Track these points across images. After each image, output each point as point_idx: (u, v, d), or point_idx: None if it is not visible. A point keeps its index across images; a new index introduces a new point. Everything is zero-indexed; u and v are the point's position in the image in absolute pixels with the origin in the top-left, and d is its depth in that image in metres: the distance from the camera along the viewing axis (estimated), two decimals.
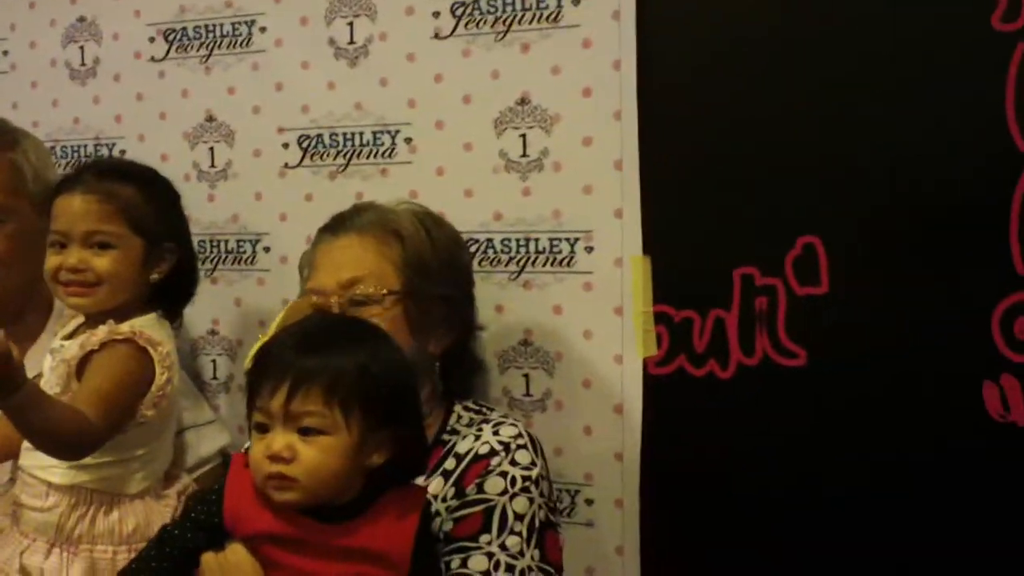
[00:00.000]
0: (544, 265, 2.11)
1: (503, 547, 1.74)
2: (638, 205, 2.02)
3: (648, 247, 2.02)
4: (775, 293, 1.93)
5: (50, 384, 1.95)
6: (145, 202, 2.00)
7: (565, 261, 2.09)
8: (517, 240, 2.13)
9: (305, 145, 2.32)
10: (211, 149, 2.42)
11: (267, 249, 2.37)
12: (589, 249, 2.07)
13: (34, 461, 1.97)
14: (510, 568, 1.73)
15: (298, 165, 2.33)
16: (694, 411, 2.01)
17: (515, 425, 1.86)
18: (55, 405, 1.82)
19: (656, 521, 2.04)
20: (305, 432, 1.53)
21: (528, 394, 2.14)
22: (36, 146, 2.24)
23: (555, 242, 2.10)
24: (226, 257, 2.41)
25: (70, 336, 2.04)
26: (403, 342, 1.75)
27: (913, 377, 1.85)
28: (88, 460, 1.90)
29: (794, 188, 1.91)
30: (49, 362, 2.00)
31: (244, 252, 2.40)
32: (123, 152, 2.49)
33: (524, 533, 1.76)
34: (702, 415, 2.00)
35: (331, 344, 1.57)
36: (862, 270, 1.87)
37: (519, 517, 1.77)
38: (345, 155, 2.28)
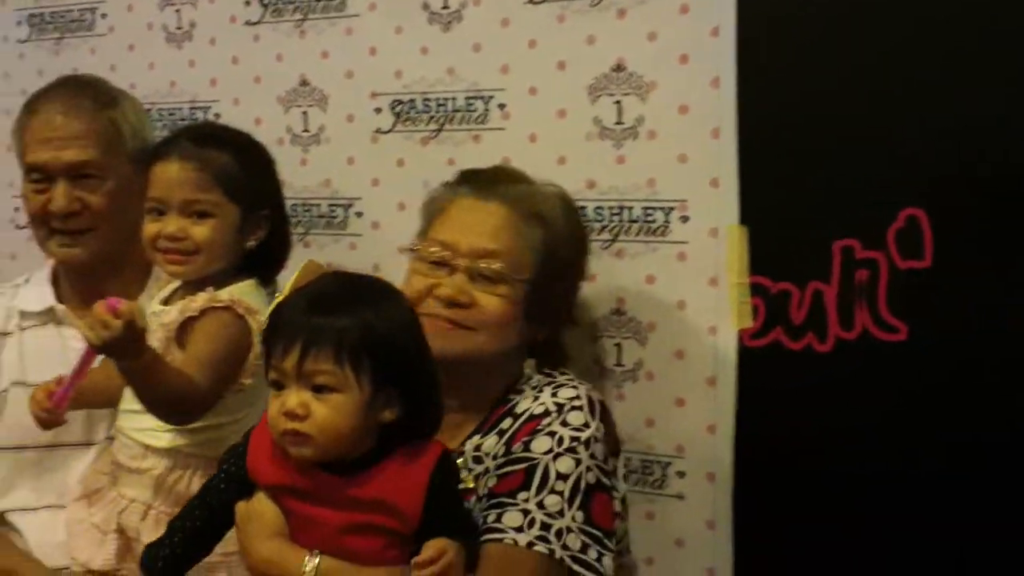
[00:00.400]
0: (637, 234, 2.08)
1: (540, 505, 1.71)
2: (735, 174, 1.98)
3: (745, 217, 1.98)
4: (876, 266, 1.88)
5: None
6: (241, 170, 2.00)
7: (659, 230, 2.06)
8: (610, 208, 2.10)
9: (398, 110, 2.31)
10: (304, 113, 2.42)
11: (359, 214, 2.37)
12: (684, 219, 2.03)
13: (132, 423, 2.00)
14: (545, 526, 1.70)
15: (390, 130, 2.32)
16: (790, 385, 1.97)
17: (576, 387, 1.81)
18: (170, 371, 1.86)
19: (749, 496, 2.01)
20: (318, 390, 1.57)
21: (619, 364, 2.12)
22: (134, 105, 2.26)
23: (649, 211, 2.07)
24: (318, 221, 2.41)
25: (167, 300, 2.06)
26: (516, 326, 1.81)
27: (1018, 354, 1.80)
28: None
29: (898, 158, 1.85)
30: (149, 323, 2.02)
31: (336, 217, 2.40)
32: (217, 116, 2.51)
33: (566, 493, 1.72)
34: (798, 389, 1.96)
35: (340, 304, 1.61)
36: (967, 244, 1.82)
37: (562, 476, 1.73)
38: (438, 121, 2.26)
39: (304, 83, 2.42)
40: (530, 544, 1.69)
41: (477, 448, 1.82)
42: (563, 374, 1.87)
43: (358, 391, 1.58)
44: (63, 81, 2.27)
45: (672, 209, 2.04)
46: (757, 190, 1.97)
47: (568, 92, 2.12)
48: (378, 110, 2.33)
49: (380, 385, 1.59)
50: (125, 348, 1.76)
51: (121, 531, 1.99)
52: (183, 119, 2.55)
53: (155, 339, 1.98)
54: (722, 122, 1.98)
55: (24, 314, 2.27)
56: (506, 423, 1.82)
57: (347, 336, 1.57)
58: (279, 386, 1.61)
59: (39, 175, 2.16)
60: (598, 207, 2.11)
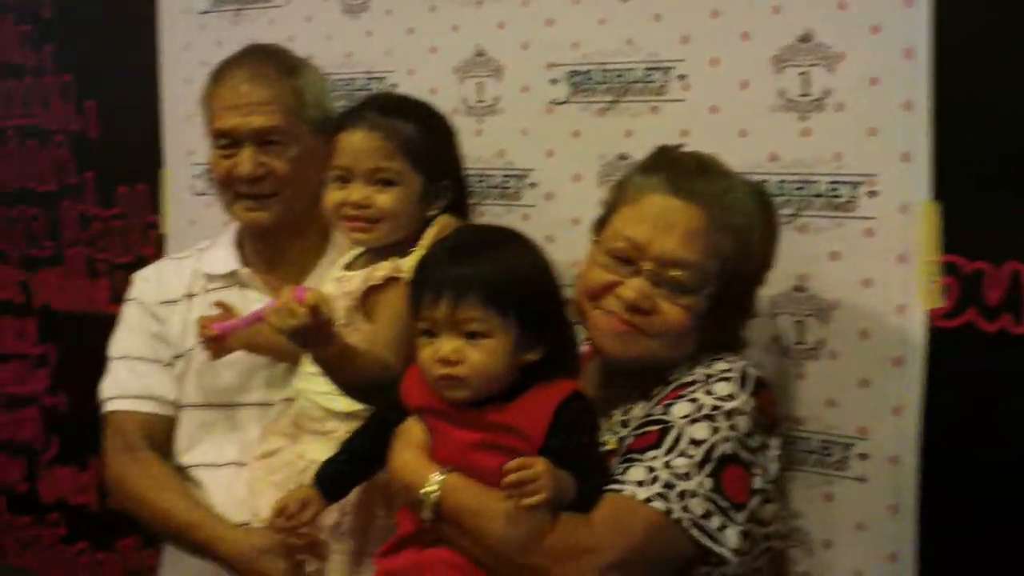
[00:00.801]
0: (822, 209, 2.02)
1: (668, 465, 1.69)
2: (928, 148, 1.90)
3: (937, 193, 1.90)
4: None
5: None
6: (426, 140, 2.03)
7: (845, 206, 2.00)
8: (794, 182, 2.04)
9: (574, 81, 2.28)
10: (479, 84, 2.41)
11: (533, 185, 2.36)
12: (872, 194, 1.97)
13: (313, 386, 2.03)
14: (668, 486, 1.67)
15: (566, 101, 2.30)
16: (983, 367, 1.89)
17: (733, 361, 1.78)
18: (360, 355, 1.91)
19: (935, 481, 1.94)
20: (470, 336, 1.71)
21: (800, 342, 2.06)
22: (316, 74, 2.30)
23: (835, 186, 2.01)
24: (491, 192, 2.41)
25: (350, 266, 2.08)
26: (691, 335, 1.79)
27: None
28: None
29: None
30: (332, 290, 2.05)
31: (509, 187, 2.39)
32: (393, 86, 2.52)
33: (697, 458, 1.69)
34: (991, 371, 1.89)
35: (483, 253, 1.74)
36: None
37: (695, 442, 1.70)
38: (615, 92, 2.23)
39: (480, 54, 2.42)
40: (648, 499, 1.67)
41: (626, 413, 1.83)
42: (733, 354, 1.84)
43: (506, 335, 1.71)
44: (248, 50, 2.31)
45: (860, 184, 1.97)
46: (951, 165, 1.89)
47: (751, 63, 2.07)
48: (554, 81, 2.31)
49: (525, 328, 1.72)
50: (310, 336, 1.84)
51: None
52: (359, 90, 2.56)
53: (339, 306, 2.01)
54: (914, 94, 1.91)
55: (209, 277, 2.33)
56: (656, 390, 1.81)
57: (493, 283, 1.71)
58: (430, 334, 1.73)
59: (226, 141, 2.22)
60: (781, 181, 2.05)
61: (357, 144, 2.03)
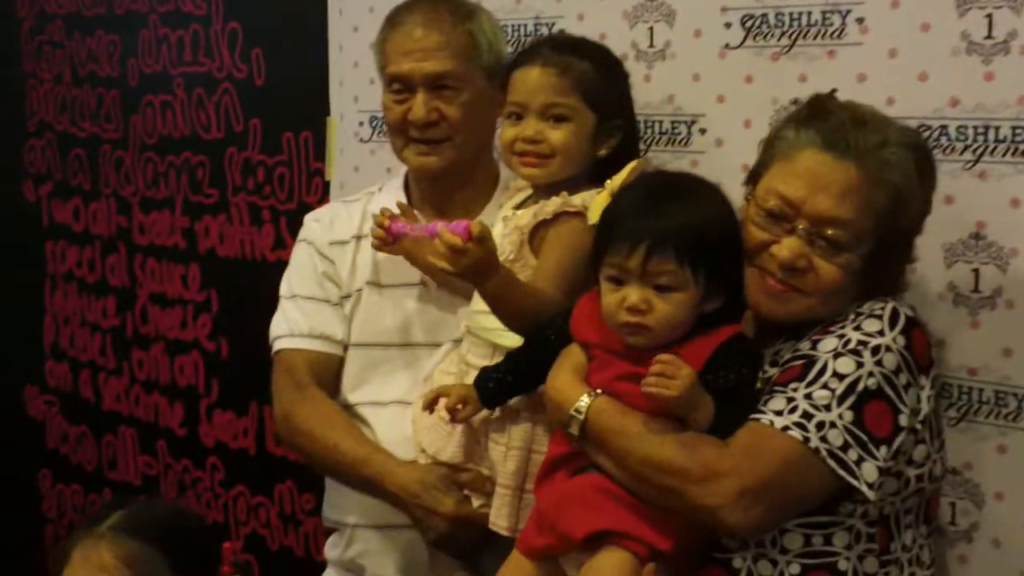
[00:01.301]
0: (1004, 155, 1.98)
1: (808, 396, 1.69)
2: None
3: None
4: None
5: (503, 250, 2.03)
6: (599, 77, 2.04)
7: None
8: (975, 127, 2.00)
9: (748, 25, 2.26)
10: (651, 29, 2.41)
11: (703, 131, 2.35)
12: None
13: (482, 323, 2.06)
14: (807, 415, 1.67)
15: (739, 46, 2.28)
16: None
17: (887, 301, 1.76)
18: (524, 288, 1.96)
19: None
20: (660, 288, 1.73)
21: (976, 290, 2.03)
22: (490, 19, 2.32)
23: (1018, 130, 1.96)
24: (660, 138, 2.41)
25: (520, 206, 2.11)
26: (847, 292, 1.78)
27: None
28: None
29: None
30: (501, 229, 2.08)
31: (679, 133, 2.38)
32: (562, 32, 2.52)
33: (839, 391, 1.68)
34: None
35: (679, 204, 1.76)
36: None
37: (838, 375, 1.69)
38: (790, 36, 2.21)
39: None
40: (785, 428, 1.68)
41: (776, 353, 1.82)
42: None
43: (695, 288, 1.74)
44: None
45: None
46: None
47: (933, 5, 2.03)
48: (728, 25, 2.29)
49: (712, 280, 1.75)
50: (480, 270, 1.89)
51: (468, 427, 2.07)
52: (528, 35, 2.58)
53: (508, 242, 2.04)
54: None
55: None
56: (808, 331, 1.80)
57: (689, 238, 1.73)
58: (617, 281, 1.76)
59: (399, 86, 2.25)
60: (961, 126, 2.01)
61: (532, 80, 2.05)
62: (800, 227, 1.76)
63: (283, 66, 3.25)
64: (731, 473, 1.67)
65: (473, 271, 1.92)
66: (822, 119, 1.80)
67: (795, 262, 1.76)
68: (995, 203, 2.00)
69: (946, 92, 2.02)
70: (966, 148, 2.01)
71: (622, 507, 1.76)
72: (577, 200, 2.01)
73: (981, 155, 2.00)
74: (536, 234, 2.03)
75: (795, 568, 1.74)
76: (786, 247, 1.77)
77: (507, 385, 1.98)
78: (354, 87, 3.00)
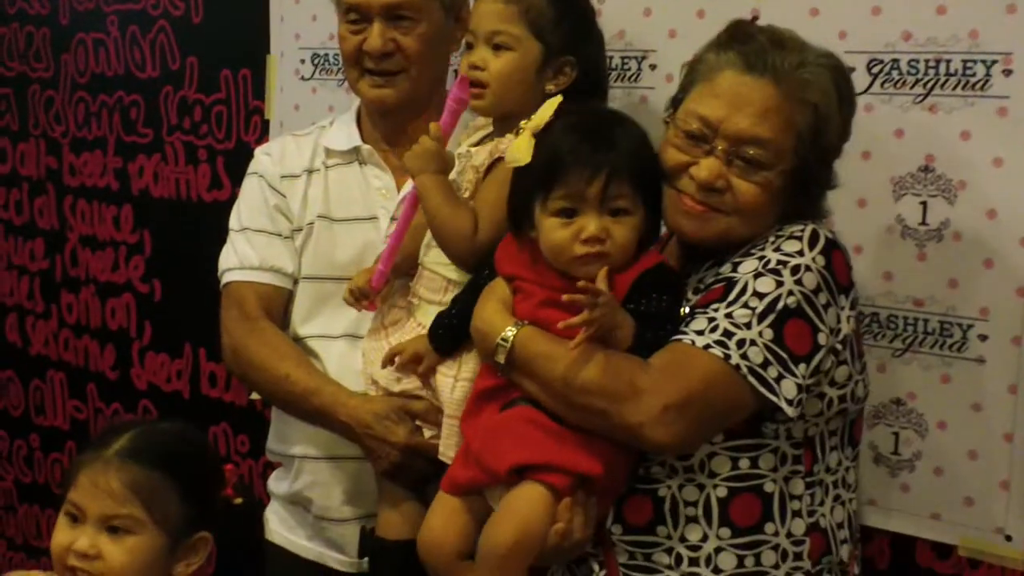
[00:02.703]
0: (954, 89, 2.02)
1: (729, 316, 1.71)
2: None
3: None
4: None
5: (459, 188, 2.04)
6: (552, 10, 2.02)
7: (979, 85, 1.99)
8: (926, 61, 2.03)
9: None
10: None
11: (653, 67, 2.35)
12: (1007, 72, 1.96)
13: (435, 257, 2.06)
14: (727, 334, 1.69)
15: None
16: None
17: (807, 224, 1.77)
18: (455, 202, 1.98)
19: None
20: (616, 213, 1.77)
21: (924, 223, 2.07)
22: None
23: (968, 64, 2.00)
24: (610, 74, 2.39)
25: (477, 144, 2.10)
26: (770, 210, 1.78)
27: None
28: None
29: None
30: (457, 166, 2.07)
31: (628, 69, 2.39)
32: None
33: (759, 310, 1.70)
34: None
35: (622, 133, 1.80)
36: None
37: (758, 295, 1.71)
38: None
39: None
40: (706, 346, 1.69)
41: (700, 280, 1.84)
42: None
43: (640, 212, 1.79)
44: None
45: (995, 63, 1.97)
46: None
47: None
48: None
49: (649, 207, 1.81)
50: (429, 160, 1.98)
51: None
52: None
53: (464, 180, 2.03)
54: None
55: (330, 152, 2.36)
56: (730, 257, 1.81)
57: (638, 163, 1.79)
58: (568, 213, 1.77)
59: (356, 15, 2.23)
60: (912, 60, 2.04)
61: (482, 8, 2.06)
62: (719, 147, 1.76)
63: (222, 3, 3.20)
64: (653, 390, 1.69)
65: (423, 159, 1.99)
66: (741, 42, 1.81)
67: (713, 182, 1.77)
68: (944, 136, 2.03)
69: (898, 26, 2.05)
70: (916, 82, 2.05)
71: (550, 438, 1.78)
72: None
73: (932, 89, 2.03)
74: (490, 170, 2.03)
75: (722, 491, 1.76)
76: (704, 167, 1.77)
77: (456, 329, 1.98)
78: (295, 24, 2.96)
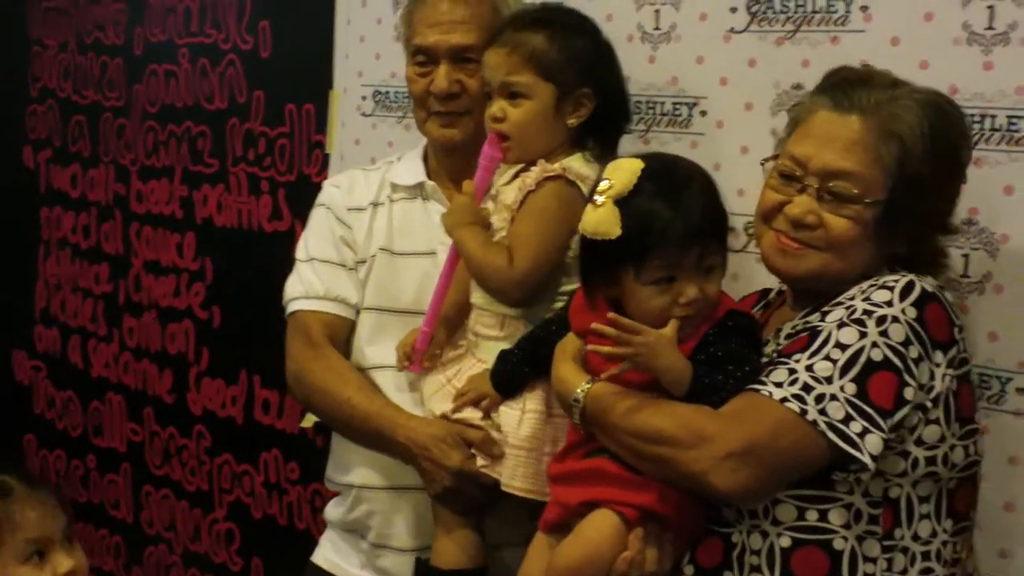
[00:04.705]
0: (999, 144, 2.03)
1: (809, 368, 1.68)
2: None
3: None
4: None
5: (495, 227, 2.10)
6: (555, 49, 2.07)
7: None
8: (972, 116, 2.04)
9: (754, 10, 2.31)
10: (657, 11, 2.45)
11: (703, 113, 2.39)
12: None
13: (481, 296, 2.11)
14: (807, 388, 1.67)
15: (744, 30, 2.33)
16: None
17: (903, 274, 1.75)
18: (489, 244, 2.06)
19: None
20: (707, 271, 1.79)
21: (966, 275, 2.08)
22: None
23: (1014, 120, 2.02)
24: (661, 119, 2.45)
25: (508, 183, 2.15)
26: (865, 245, 1.78)
27: None
28: None
29: None
30: (491, 207, 2.13)
31: (680, 115, 2.43)
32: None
33: (841, 362, 1.67)
34: None
35: (697, 189, 1.80)
36: None
37: (841, 346, 1.68)
38: (795, 21, 2.26)
39: None
40: (783, 400, 1.67)
41: (794, 327, 1.84)
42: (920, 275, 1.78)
43: (725, 265, 1.82)
44: None
45: None
46: None
47: None
48: (733, 9, 2.33)
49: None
50: (464, 215, 2.08)
51: None
52: None
53: (499, 219, 2.09)
54: None
55: (395, 187, 2.42)
56: (827, 304, 1.79)
57: (720, 217, 1.82)
58: (668, 280, 1.78)
59: (423, 57, 2.30)
60: None
61: (489, 61, 2.12)
62: (810, 184, 1.79)
63: (289, 38, 3.29)
64: (716, 438, 1.69)
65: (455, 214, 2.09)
66: (834, 83, 1.85)
67: (803, 217, 1.78)
68: (988, 190, 2.04)
69: (946, 80, 2.06)
70: None
71: (620, 482, 1.80)
72: (556, 165, 2.06)
73: (977, 143, 2.04)
74: (521, 207, 2.07)
75: (785, 541, 1.73)
76: (797, 204, 1.80)
77: (523, 375, 2.03)
78: (359, 61, 3.04)
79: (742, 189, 2.21)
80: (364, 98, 3.04)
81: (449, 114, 2.28)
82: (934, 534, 1.77)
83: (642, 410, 1.76)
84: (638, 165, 1.79)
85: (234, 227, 3.48)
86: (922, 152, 1.76)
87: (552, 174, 2.05)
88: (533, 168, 2.08)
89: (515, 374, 2.03)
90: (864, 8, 2.17)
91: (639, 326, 1.74)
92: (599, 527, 1.79)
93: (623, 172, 1.78)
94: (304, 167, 3.24)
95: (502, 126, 2.09)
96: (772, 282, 2.03)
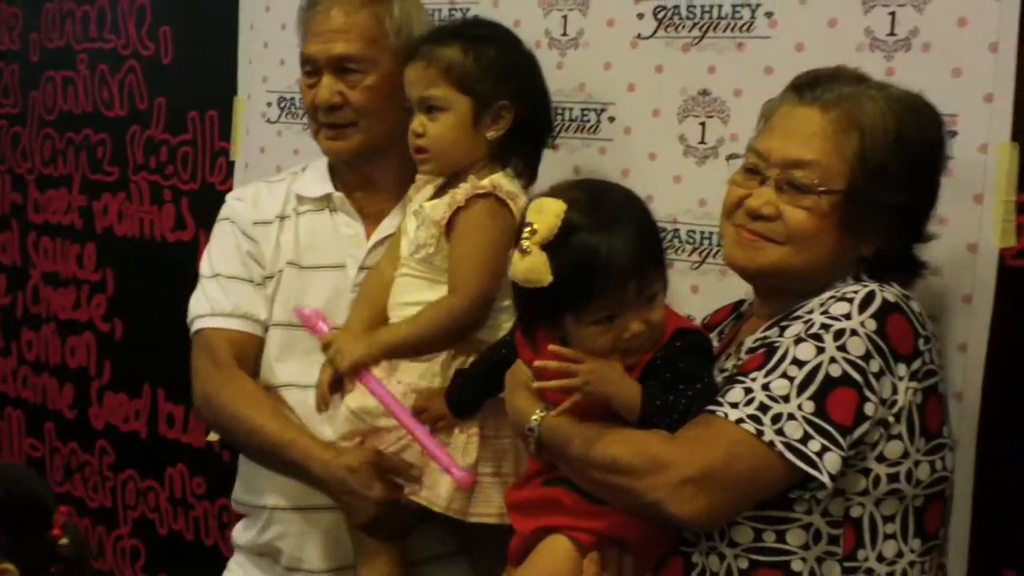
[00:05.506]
0: None
1: (766, 387, 1.65)
2: (1011, 90, 1.94)
3: (1017, 134, 1.94)
4: None
5: (419, 243, 2.07)
6: (473, 61, 2.06)
7: None
8: None
9: (660, 16, 2.32)
10: (564, 17, 2.44)
11: (612, 119, 2.39)
12: (952, 134, 1.99)
13: (404, 313, 2.10)
14: (763, 408, 1.64)
15: (651, 36, 2.33)
16: None
17: (868, 285, 1.72)
18: (417, 319, 2.04)
19: (1000, 417, 1.97)
20: (649, 300, 1.73)
21: None
22: (404, 3, 2.29)
23: None
24: (569, 125, 2.45)
25: (432, 197, 2.13)
26: (826, 238, 1.75)
27: None
28: None
29: None
30: (413, 223, 2.10)
31: (588, 121, 2.43)
32: (475, 17, 2.54)
33: (798, 380, 1.64)
34: None
35: (631, 225, 1.72)
36: None
37: (798, 363, 1.65)
38: (701, 28, 2.27)
39: None
40: (739, 421, 1.64)
41: (754, 341, 1.80)
42: (886, 282, 1.75)
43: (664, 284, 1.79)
44: None
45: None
46: None
47: (840, 2, 2.10)
48: (640, 15, 2.34)
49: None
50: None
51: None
52: (442, 20, 2.60)
53: (426, 234, 2.06)
54: (1001, 36, 1.94)
55: (301, 199, 2.36)
56: (789, 315, 1.77)
57: (655, 242, 1.79)
58: (609, 319, 1.72)
59: (310, 67, 2.25)
60: None
61: (409, 76, 2.10)
62: (770, 175, 1.78)
63: (191, 44, 3.24)
64: (673, 463, 1.65)
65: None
66: (802, 80, 1.85)
67: (761, 208, 1.77)
68: None
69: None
70: None
71: (575, 511, 1.79)
72: (485, 182, 2.04)
73: None
74: (452, 223, 2.05)
75: (743, 563, 1.71)
76: (756, 196, 1.79)
77: (479, 397, 2.03)
78: (263, 67, 3.00)
79: (651, 195, 2.22)
80: (269, 104, 3.00)
81: (335, 126, 2.24)
82: (900, 554, 1.74)
83: (597, 439, 1.72)
84: (560, 207, 1.70)
85: (136, 237, 3.41)
86: (885, 144, 1.75)
87: (483, 191, 2.03)
88: (462, 184, 2.05)
89: (474, 396, 2.01)
90: (769, 15, 2.19)
91: (582, 355, 1.71)
92: (553, 552, 1.78)
93: (546, 215, 1.70)
94: (208, 175, 3.19)
95: (422, 141, 2.07)
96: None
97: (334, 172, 2.37)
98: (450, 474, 1.98)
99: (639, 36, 2.35)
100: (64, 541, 1.92)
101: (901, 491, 1.72)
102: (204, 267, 2.38)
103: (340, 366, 2.05)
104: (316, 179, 2.37)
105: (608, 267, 1.68)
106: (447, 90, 2.05)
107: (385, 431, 2.08)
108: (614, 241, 1.69)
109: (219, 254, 2.37)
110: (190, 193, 3.24)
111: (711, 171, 2.22)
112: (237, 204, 2.40)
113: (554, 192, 1.76)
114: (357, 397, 2.07)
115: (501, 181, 2.05)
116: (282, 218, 2.35)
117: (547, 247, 1.68)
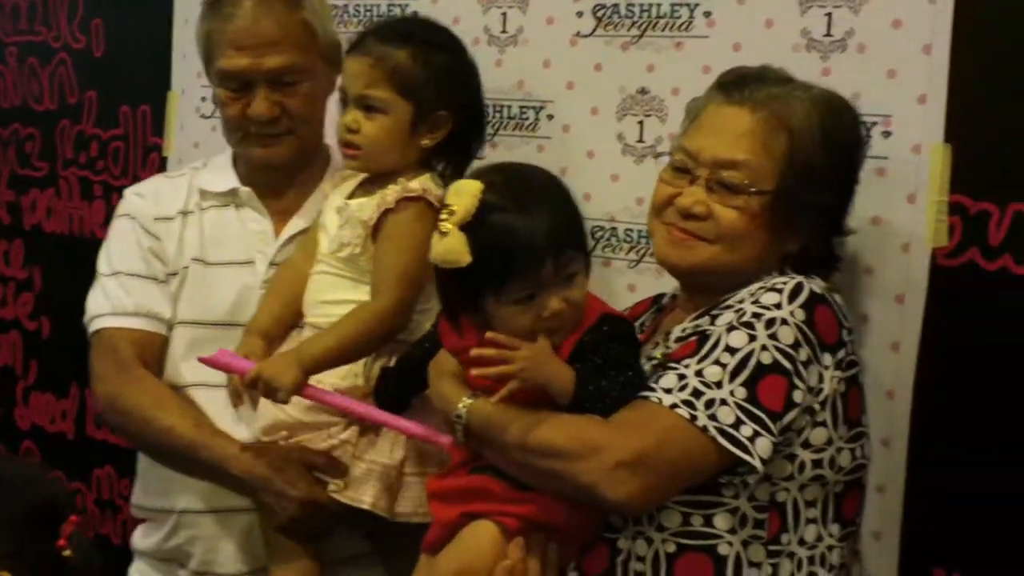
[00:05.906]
0: None
1: (699, 373, 1.68)
2: (944, 91, 1.97)
3: (950, 135, 1.97)
4: None
5: (343, 241, 2.05)
6: (420, 67, 2.03)
7: None
8: None
9: (600, 14, 2.32)
10: (504, 14, 2.45)
11: (551, 117, 2.39)
12: (886, 134, 2.03)
13: (327, 312, 2.07)
14: (696, 393, 1.66)
15: (590, 34, 2.34)
16: (981, 306, 1.96)
17: (794, 277, 1.76)
18: (343, 323, 2.01)
19: (931, 416, 2.00)
20: (568, 279, 1.74)
21: None
22: (318, 1, 2.26)
23: None
24: (508, 123, 2.44)
25: (351, 195, 2.11)
26: (756, 238, 1.78)
27: None
28: None
29: None
30: (335, 220, 2.07)
31: (527, 119, 2.43)
32: (414, 14, 2.54)
33: (730, 367, 1.67)
34: (989, 310, 1.95)
35: (549, 205, 1.75)
36: None
37: (731, 350, 1.68)
38: (639, 26, 2.27)
39: None
40: (673, 406, 1.67)
41: (683, 330, 1.82)
42: (808, 276, 1.79)
43: (587, 269, 1.79)
44: None
45: (875, 124, 2.03)
46: (965, 108, 1.95)
47: (777, 3, 2.12)
48: (579, 14, 2.34)
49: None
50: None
51: None
52: (379, 16, 2.59)
53: (352, 234, 2.04)
54: (935, 38, 1.97)
55: (205, 193, 2.31)
56: (717, 306, 1.79)
57: (575, 222, 1.79)
58: (527, 298, 1.72)
59: (236, 83, 2.19)
60: None
61: (350, 69, 2.06)
62: (700, 175, 1.79)
63: (124, 37, 3.19)
64: (607, 447, 1.66)
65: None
66: (729, 79, 1.87)
67: (692, 207, 1.78)
68: None
69: None
70: None
71: (502, 497, 1.78)
72: (415, 184, 2.03)
73: None
74: (381, 224, 2.03)
75: (671, 547, 1.72)
76: (686, 195, 1.80)
77: (407, 394, 2.01)
78: (198, 62, 2.91)
79: (588, 193, 2.22)
80: (204, 99, 2.96)
81: (269, 135, 2.21)
82: (820, 538, 1.78)
83: (529, 424, 1.72)
84: (477, 187, 1.72)
85: (65, 234, 3.36)
86: (812, 145, 1.79)
87: (413, 195, 2.01)
88: (391, 185, 2.03)
89: (401, 393, 2.00)
90: (707, 14, 2.20)
91: (517, 341, 1.70)
92: (478, 536, 1.77)
93: (464, 196, 1.71)
94: (140, 171, 3.14)
95: (354, 138, 2.04)
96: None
97: (237, 167, 2.33)
98: (437, 443, 1.95)
99: (578, 34, 2.35)
100: (68, 553, 1.82)
101: (824, 477, 1.76)
102: (102, 265, 2.32)
103: (278, 398, 1.98)
104: (219, 173, 2.32)
105: (525, 245, 1.70)
106: (390, 93, 2.03)
107: (314, 426, 2.06)
108: (531, 219, 1.71)
109: (119, 251, 2.31)
110: (121, 189, 3.14)
111: (649, 170, 2.21)
112: (137, 200, 2.34)
113: (473, 175, 1.81)
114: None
115: (430, 185, 2.04)
116: (185, 213, 2.30)
117: (465, 227, 1.70)
